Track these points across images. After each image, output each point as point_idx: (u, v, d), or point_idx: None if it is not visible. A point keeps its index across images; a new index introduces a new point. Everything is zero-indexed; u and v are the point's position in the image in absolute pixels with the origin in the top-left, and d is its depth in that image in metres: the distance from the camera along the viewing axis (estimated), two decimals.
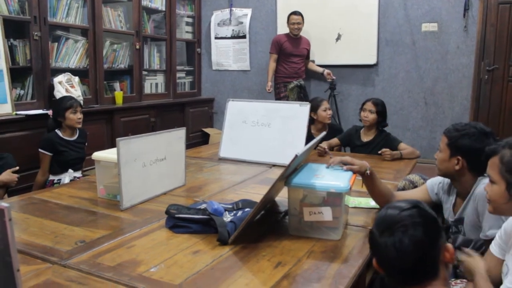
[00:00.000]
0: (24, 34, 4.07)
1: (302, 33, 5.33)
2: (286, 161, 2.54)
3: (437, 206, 1.96)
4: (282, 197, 1.89)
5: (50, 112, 3.50)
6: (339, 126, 4.26)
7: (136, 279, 1.31)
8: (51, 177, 3.28)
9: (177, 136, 2.18)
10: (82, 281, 1.30)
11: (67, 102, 3.29)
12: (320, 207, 1.62)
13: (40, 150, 3.24)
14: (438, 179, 1.97)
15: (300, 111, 2.88)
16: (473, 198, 1.74)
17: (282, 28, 5.51)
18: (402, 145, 3.19)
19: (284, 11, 5.48)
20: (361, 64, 5.35)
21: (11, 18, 3.88)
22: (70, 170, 3.30)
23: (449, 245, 1.19)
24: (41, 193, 2.26)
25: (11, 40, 3.94)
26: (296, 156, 1.49)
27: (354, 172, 1.77)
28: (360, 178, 1.84)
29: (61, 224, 1.77)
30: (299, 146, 2.69)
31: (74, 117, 3.27)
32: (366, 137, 3.38)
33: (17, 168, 2.86)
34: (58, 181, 3.23)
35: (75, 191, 2.25)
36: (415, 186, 2.19)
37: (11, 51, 3.94)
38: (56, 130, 3.29)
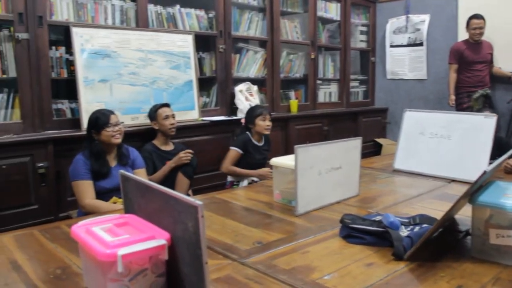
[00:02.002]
0: (210, 47, 4.46)
1: (483, 38, 4.91)
2: (467, 176, 2.41)
3: None
4: (462, 215, 1.76)
5: (243, 120, 3.76)
6: (505, 140, 3.86)
7: (309, 284, 1.33)
8: (231, 178, 3.52)
9: (353, 146, 2.17)
10: (259, 281, 1.36)
11: (257, 110, 3.53)
12: (510, 230, 1.47)
13: (233, 148, 3.48)
14: None
15: (485, 123, 2.65)
16: None
17: (463, 34, 5.15)
18: None
19: (466, 15, 5.10)
20: None
21: (201, 34, 4.28)
22: None
23: None
24: (223, 194, 2.43)
25: (200, 53, 4.35)
26: (485, 172, 1.37)
27: None
28: None
29: (240, 224, 1.88)
30: (483, 161, 2.49)
31: (263, 124, 3.49)
32: None
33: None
34: (237, 183, 3.46)
35: (253, 194, 2.38)
36: None
37: (200, 63, 4.35)
38: (247, 133, 3.54)
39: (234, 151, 3.46)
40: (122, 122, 2.89)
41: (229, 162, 3.44)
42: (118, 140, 2.79)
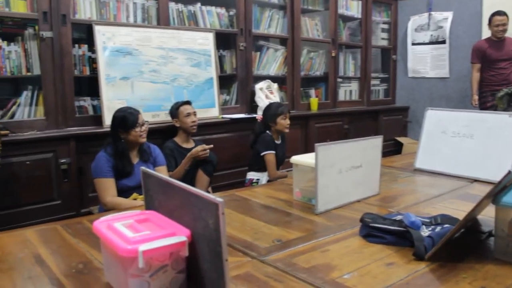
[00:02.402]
0: (231, 45, 4.47)
1: (506, 34, 4.82)
2: (490, 176, 2.37)
3: None
4: (485, 216, 1.73)
5: (259, 116, 3.75)
6: None
7: (329, 283, 1.32)
8: (251, 176, 3.52)
9: (374, 144, 2.15)
10: (278, 278, 1.36)
11: (278, 109, 3.52)
12: None
13: (269, 152, 3.48)
14: None
15: (509, 122, 2.60)
16: None
17: (488, 31, 5.05)
18: None
19: (490, 11, 4.99)
20: None
21: (221, 32, 4.29)
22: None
23: None
24: (242, 191, 2.42)
25: (221, 50, 4.36)
26: (509, 172, 1.35)
27: None
28: None
29: (259, 221, 1.88)
30: (507, 161, 2.44)
31: (285, 123, 3.49)
32: None
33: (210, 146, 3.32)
34: (257, 181, 3.46)
35: (272, 192, 2.37)
36: None
37: (220, 61, 4.36)
38: (268, 132, 3.54)
39: (272, 155, 3.47)
40: (147, 121, 2.90)
41: (274, 167, 3.47)
42: (144, 139, 2.82)
